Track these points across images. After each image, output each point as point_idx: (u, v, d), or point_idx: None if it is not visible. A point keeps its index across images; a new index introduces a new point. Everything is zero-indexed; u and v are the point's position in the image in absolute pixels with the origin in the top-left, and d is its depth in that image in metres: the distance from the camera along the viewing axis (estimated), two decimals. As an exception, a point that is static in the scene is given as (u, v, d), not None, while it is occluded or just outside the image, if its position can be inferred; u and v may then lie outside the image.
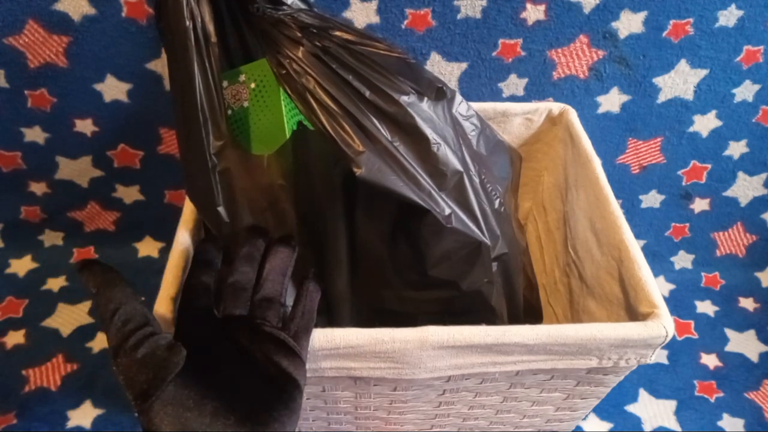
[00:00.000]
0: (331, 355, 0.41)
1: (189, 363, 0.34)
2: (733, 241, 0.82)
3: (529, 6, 0.61)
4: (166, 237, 0.79)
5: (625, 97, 0.69)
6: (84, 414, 0.63)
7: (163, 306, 0.41)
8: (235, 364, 0.35)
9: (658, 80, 0.67)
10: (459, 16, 0.62)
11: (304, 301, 0.40)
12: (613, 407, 0.66)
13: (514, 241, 0.52)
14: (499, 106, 0.64)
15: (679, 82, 0.67)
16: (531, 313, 0.57)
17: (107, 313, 0.34)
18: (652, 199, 0.79)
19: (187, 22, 0.41)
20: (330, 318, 0.50)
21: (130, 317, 0.34)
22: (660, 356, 0.72)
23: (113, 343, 0.33)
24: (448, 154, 0.45)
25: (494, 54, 0.65)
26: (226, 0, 0.47)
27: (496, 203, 0.51)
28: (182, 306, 0.39)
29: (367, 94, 0.43)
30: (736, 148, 0.74)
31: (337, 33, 0.44)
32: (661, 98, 0.69)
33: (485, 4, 0.61)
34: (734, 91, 0.68)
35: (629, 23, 0.62)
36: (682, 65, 0.66)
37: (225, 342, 0.36)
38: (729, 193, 0.78)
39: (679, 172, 0.76)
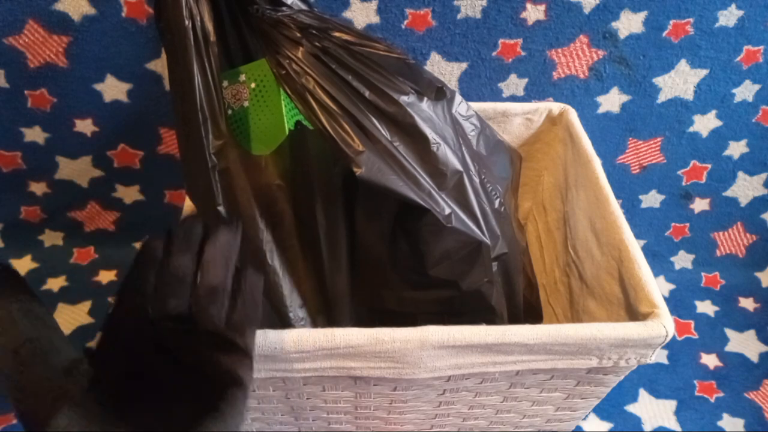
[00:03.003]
0: (331, 355, 0.41)
1: (105, 383, 0.29)
2: (733, 241, 0.82)
3: (529, 6, 0.61)
4: (166, 237, 0.78)
5: (625, 97, 0.69)
6: (84, 414, 0.63)
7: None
8: (164, 373, 0.31)
9: (658, 80, 0.67)
10: (459, 16, 0.62)
11: (244, 288, 0.34)
12: (613, 407, 0.66)
13: (514, 240, 0.52)
14: (499, 106, 0.64)
15: (679, 82, 0.67)
16: (531, 313, 0.57)
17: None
18: (652, 199, 0.79)
19: (187, 22, 0.41)
20: (330, 318, 0.50)
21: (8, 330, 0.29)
22: (660, 356, 0.72)
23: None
24: (447, 154, 0.45)
25: (494, 54, 0.65)
26: (226, 0, 0.47)
27: (496, 203, 0.51)
28: (110, 313, 0.33)
29: (367, 94, 0.43)
30: (736, 148, 0.74)
31: (337, 33, 0.44)
32: (661, 98, 0.69)
33: (485, 4, 0.61)
34: (734, 91, 0.68)
35: (629, 23, 0.62)
36: (682, 65, 0.66)
37: (154, 347, 0.31)
38: (729, 193, 0.78)
39: (679, 172, 0.76)
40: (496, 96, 0.68)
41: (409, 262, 0.46)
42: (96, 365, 0.30)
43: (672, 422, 0.66)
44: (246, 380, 0.32)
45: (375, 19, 0.62)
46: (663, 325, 0.41)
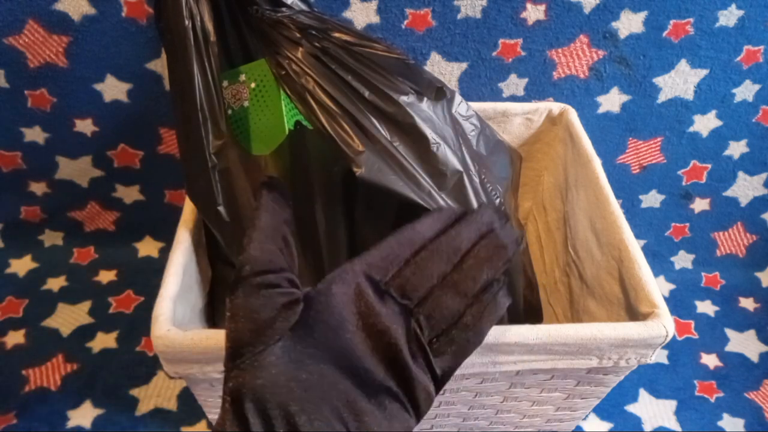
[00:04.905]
0: (331, 355, 0.41)
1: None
2: (734, 241, 0.82)
3: (529, 6, 0.61)
4: (166, 237, 0.79)
5: (625, 97, 0.69)
6: (84, 414, 0.63)
7: (163, 306, 0.41)
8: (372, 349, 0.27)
9: (658, 80, 0.67)
10: (459, 16, 0.62)
11: (481, 309, 0.29)
12: (613, 407, 0.66)
13: (514, 241, 0.52)
14: (499, 106, 0.64)
15: (679, 82, 0.67)
16: (531, 313, 0.57)
17: (246, 239, 0.28)
18: (652, 199, 0.79)
19: (187, 22, 0.41)
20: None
21: (264, 256, 0.28)
22: (660, 356, 0.72)
23: (234, 275, 0.27)
24: (447, 154, 0.45)
25: (494, 54, 0.65)
26: (226, 0, 0.47)
27: (496, 203, 0.51)
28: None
29: (367, 94, 0.43)
30: (736, 148, 0.73)
31: (336, 34, 0.44)
32: (661, 98, 0.69)
33: (485, 4, 0.61)
34: (734, 90, 0.68)
35: (629, 23, 0.62)
36: (683, 65, 0.66)
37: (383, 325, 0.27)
38: (729, 192, 0.78)
39: (679, 172, 0.76)
40: (496, 96, 0.68)
41: (409, 262, 0.46)
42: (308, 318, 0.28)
43: (672, 422, 0.66)
44: (423, 409, 0.28)
45: (375, 19, 0.62)
46: (663, 325, 0.41)
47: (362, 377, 0.27)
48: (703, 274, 0.82)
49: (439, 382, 0.29)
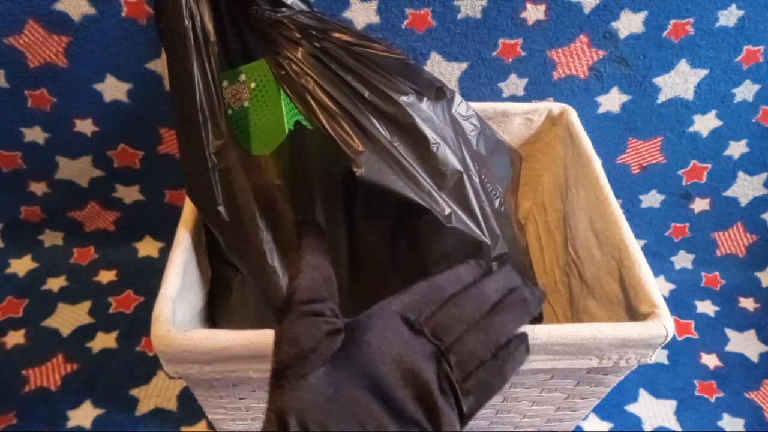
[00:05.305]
0: (331, 355, 0.41)
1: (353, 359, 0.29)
2: (734, 241, 0.82)
3: (529, 6, 0.61)
4: (166, 237, 0.79)
5: (625, 97, 0.69)
6: (84, 414, 0.63)
7: (163, 306, 0.41)
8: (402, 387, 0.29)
9: (658, 80, 0.67)
10: (459, 16, 0.62)
11: (506, 356, 0.31)
12: (613, 407, 0.66)
13: (514, 240, 0.52)
14: (499, 106, 0.64)
15: (679, 82, 0.67)
16: (531, 313, 0.57)
17: (294, 271, 0.32)
18: (652, 199, 0.79)
19: (187, 22, 0.41)
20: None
21: (309, 287, 0.31)
22: (660, 356, 0.72)
23: (282, 301, 0.31)
24: (447, 154, 0.45)
25: (494, 54, 0.65)
26: (226, 0, 0.47)
27: (496, 203, 0.51)
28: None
29: (367, 94, 0.43)
30: (736, 148, 0.73)
31: (336, 34, 0.44)
32: (661, 98, 0.69)
33: (485, 4, 0.61)
34: (734, 91, 0.68)
35: (629, 23, 0.62)
36: (683, 65, 0.66)
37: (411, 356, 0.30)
38: (729, 192, 0.78)
39: (679, 172, 0.76)
40: (496, 96, 0.68)
41: (410, 262, 0.46)
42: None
43: (672, 422, 0.66)
44: None
45: (375, 19, 0.62)
46: (663, 325, 0.41)
47: (393, 407, 0.28)
48: (703, 274, 0.82)
49: (465, 419, 0.31)
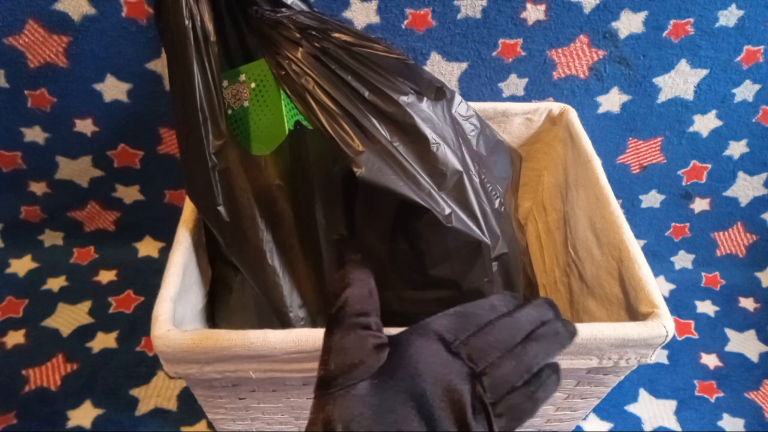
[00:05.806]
0: (331, 355, 0.41)
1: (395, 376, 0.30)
2: (733, 241, 0.82)
3: (529, 6, 0.61)
4: (166, 237, 0.79)
5: (625, 97, 0.69)
6: (84, 414, 0.63)
7: (163, 306, 0.41)
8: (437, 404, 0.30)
9: (658, 80, 0.67)
10: (459, 16, 0.62)
11: (538, 383, 0.31)
12: (613, 407, 0.66)
13: (514, 240, 0.52)
14: (499, 106, 0.64)
15: (679, 82, 0.67)
16: (531, 313, 0.57)
17: (339, 286, 0.34)
18: (652, 199, 0.79)
19: (187, 22, 0.41)
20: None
21: (358, 300, 0.33)
22: (660, 356, 0.72)
23: (333, 311, 0.33)
24: (447, 154, 0.45)
25: (494, 54, 0.65)
26: (226, 0, 0.47)
27: (496, 203, 0.51)
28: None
29: (366, 94, 0.43)
30: (737, 148, 0.74)
31: (336, 34, 0.44)
32: (661, 98, 0.69)
33: (485, 4, 0.61)
34: (734, 91, 0.68)
35: (629, 23, 0.62)
36: (683, 65, 0.66)
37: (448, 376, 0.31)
38: (729, 193, 0.78)
39: (679, 172, 0.76)
40: (496, 96, 0.68)
41: (410, 262, 0.46)
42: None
43: (672, 422, 0.66)
44: None
45: (375, 19, 0.62)
46: (663, 325, 0.41)
47: (432, 425, 0.29)
48: (703, 274, 0.82)
49: None
